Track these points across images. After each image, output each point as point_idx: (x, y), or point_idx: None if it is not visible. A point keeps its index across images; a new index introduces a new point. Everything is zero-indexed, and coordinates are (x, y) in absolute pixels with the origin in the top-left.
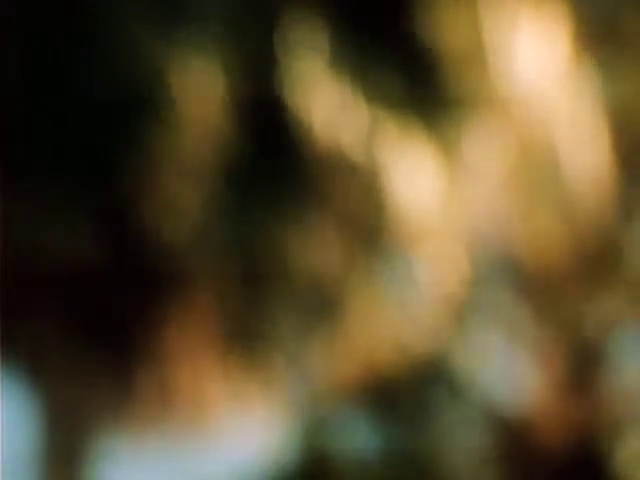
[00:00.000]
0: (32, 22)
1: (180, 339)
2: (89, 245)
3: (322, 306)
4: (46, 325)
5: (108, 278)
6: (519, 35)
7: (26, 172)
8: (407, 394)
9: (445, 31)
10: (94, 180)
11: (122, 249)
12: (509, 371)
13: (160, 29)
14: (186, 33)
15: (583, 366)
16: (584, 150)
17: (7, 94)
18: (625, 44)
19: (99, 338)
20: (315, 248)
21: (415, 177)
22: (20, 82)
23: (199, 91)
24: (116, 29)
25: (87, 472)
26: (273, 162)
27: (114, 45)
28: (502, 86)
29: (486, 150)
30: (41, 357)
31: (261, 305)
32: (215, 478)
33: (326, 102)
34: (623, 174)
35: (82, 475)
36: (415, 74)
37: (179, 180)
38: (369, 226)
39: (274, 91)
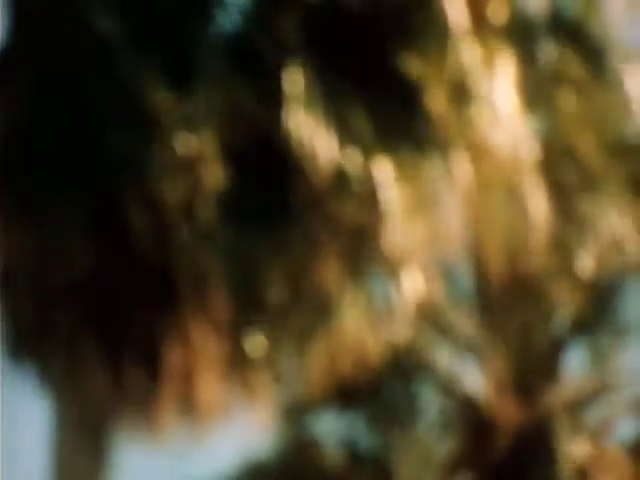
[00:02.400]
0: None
1: (185, 346)
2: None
3: (315, 314)
4: (65, 330)
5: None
6: (481, 80)
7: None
8: (386, 388)
9: (420, 75)
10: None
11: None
12: (462, 373)
13: (169, 84)
14: (189, 83)
15: (526, 374)
16: (529, 178)
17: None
18: (562, 93)
19: (110, 345)
20: (312, 262)
21: (391, 204)
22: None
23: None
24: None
25: (100, 468)
26: (274, 188)
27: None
28: (467, 124)
29: (451, 181)
30: (56, 359)
31: (259, 316)
32: (219, 469)
33: (313, 138)
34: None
35: (96, 471)
36: (392, 115)
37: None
38: (356, 246)
39: (272, 129)
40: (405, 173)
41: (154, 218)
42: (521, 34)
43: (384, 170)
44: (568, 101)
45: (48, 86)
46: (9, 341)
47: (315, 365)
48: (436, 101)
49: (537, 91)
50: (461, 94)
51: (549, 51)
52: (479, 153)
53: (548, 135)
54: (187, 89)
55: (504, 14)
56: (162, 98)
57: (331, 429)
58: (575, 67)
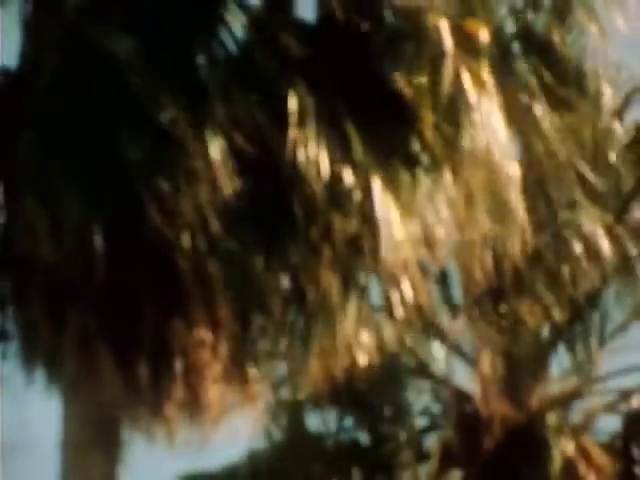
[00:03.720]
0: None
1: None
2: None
3: (315, 318)
4: (77, 329)
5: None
6: (469, 98)
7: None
8: (381, 387)
9: (412, 95)
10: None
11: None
12: (454, 373)
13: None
14: (202, 105)
15: (514, 374)
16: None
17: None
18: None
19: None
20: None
21: (384, 216)
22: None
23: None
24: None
25: (112, 463)
26: (276, 200)
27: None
28: (457, 141)
29: (440, 194)
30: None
31: (262, 319)
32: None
33: (312, 154)
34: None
35: (107, 465)
36: (385, 133)
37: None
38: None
39: (273, 145)
40: (397, 187)
41: (166, 224)
42: (500, 53)
43: (377, 184)
44: (544, 116)
45: (65, 104)
46: (23, 339)
47: (315, 365)
48: (427, 120)
49: (517, 106)
50: (451, 113)
51: (524, 68)
52: (468, 168)
53: (529, 148)
54: (196, 105)
55: (487, 34)
56: (174, 113)
57: (330, 424)
58: (549, 84)
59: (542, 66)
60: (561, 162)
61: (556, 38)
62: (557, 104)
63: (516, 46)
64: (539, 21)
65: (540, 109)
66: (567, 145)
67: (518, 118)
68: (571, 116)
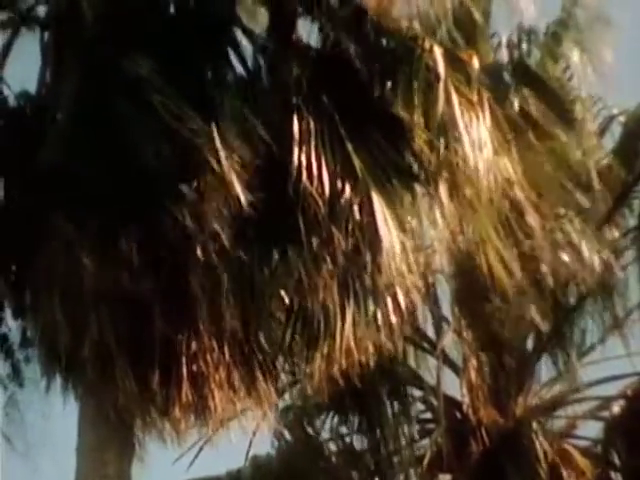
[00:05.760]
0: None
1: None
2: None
3: (316, 327)
4: (95, 337)
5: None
6: (461, 120)
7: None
8: (376, 393)
9: (409, 117)
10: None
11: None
12: (444, 381)
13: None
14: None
15: (499, 384)
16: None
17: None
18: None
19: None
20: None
21: (382, 230)
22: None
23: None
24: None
25: (126, 463)
26: (282, 215)
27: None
28: (451, 160)
29: (436, 208)
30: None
31: (266, 327)
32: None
33: (315, 171)
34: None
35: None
36: (384, 152)
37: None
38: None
39: (280, 162)
40: (394, 202)
41: (176, 237)
42: (493, 80)
43: (376, 199)
44: (533, 141)
45: (88, 122)
46: (43, 346)
47: (317, 370)
48: (422, 139)
49: (509, 130)
50: (444, 132)
51: (516, 96)
52: (461, 185)
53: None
54: (209, 121)
55: (478, 61)
56: (191, 127)
57: (329, 429)
58: (538, 111)
59: (532, 96)
60: (548, 178)
61: (547, 70)
62: (544, 131)
63: (508, 75)
64: (532, 54)
65: (529, 133)
66: (553, 164)
67: (508, 139)
68: (558, 140)
